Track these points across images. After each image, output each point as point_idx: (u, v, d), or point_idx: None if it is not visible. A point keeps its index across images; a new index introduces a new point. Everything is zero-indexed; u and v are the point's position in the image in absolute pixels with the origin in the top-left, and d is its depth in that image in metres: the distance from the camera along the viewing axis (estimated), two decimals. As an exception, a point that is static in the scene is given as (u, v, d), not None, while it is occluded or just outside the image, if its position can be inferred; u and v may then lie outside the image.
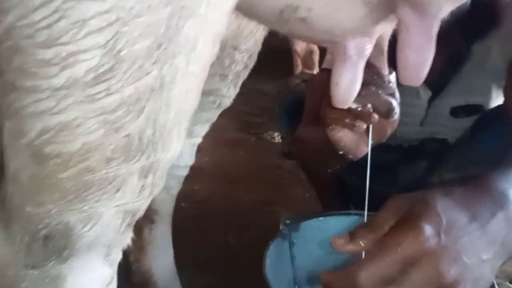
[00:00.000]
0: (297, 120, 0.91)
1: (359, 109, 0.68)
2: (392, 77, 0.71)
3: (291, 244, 0.82)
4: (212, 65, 0.84)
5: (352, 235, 0.54)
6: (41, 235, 0.46)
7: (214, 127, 1.09)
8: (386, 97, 0.68)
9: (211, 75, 0.86)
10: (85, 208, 0.44)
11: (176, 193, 1.07)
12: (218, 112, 0.95)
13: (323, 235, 0.88)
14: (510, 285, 1.41)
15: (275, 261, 0.82)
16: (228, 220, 1.70)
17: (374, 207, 0.58)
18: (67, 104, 0.37)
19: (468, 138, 1.13)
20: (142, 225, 1.04)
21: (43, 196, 0.43)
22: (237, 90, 0.93)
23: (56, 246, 0.47)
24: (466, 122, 1.15)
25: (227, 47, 0.84)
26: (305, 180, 2.10)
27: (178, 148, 0.47)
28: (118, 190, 0.45)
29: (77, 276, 0.50)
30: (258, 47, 0.88)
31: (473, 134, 1.13)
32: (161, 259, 1.09)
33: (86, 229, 0.46)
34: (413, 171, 1.23)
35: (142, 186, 0.47)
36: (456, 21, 0.99)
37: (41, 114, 0.38)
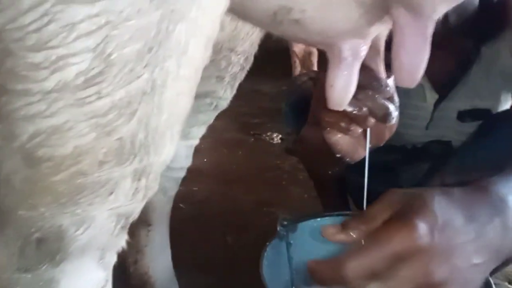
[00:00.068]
0: (303, 119, 0.91)
1: (354, 112, 0.67)
2: (390, 81, 0.70)
3: (289, 245, 0.82)
4: (208, 67, 0.85)
5: (344, 225, 0.53)
6: (33, 238, 0.46)
7: (213, 128, 1.09)
8: (383, 101, 0.67)
9: (207, 77, 0.86)
10: (78, 211, 0.44)
11: (173, 195, 1.07)
12: (215, 114, 0.95)
13: (321, 236, 0.88)
14: (509, 285, 1.41)
15: (272, 262, 0.82)
16: (227, 221, 1.70)
17: None
18: (58, 108, 0.37)
19: (472, 142, 1.12)
20: (139, 227, 1.04)
21: (35, 199, 0.43)
22: (234, 92, 0.93)
23: (49, 249, 0.47)
24: (472, 127, 1.14)
25: (223, 49, 0.84)
26: (304, 181, 2.11)
27: (171, 151, 0.47)
28: (111, 193, 0.44)
29: (70, 280, 0.50)
30: (254, 49, 0.88)
31: (477, 138, 1.11)
32: (159, 261, 1.09)
33: (79, 232, 0.46)
34: (415, 173, 1.22)
35: (136, 189, 0.46)
36: (465, 23, 0.99)
37: (32, 117, 0.38)
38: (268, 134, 2.76)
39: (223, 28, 0.79)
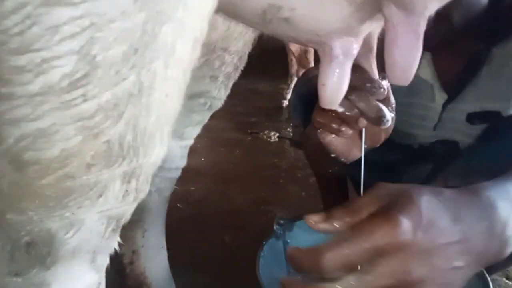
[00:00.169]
0: (311, 112, 0.90)
1: (346, 113, 0.67)
2: (385, 82, 0.70)
3: (285, 244, 0.82)
4: (202, 67, 0.85)
5: (329, 215, 0.52)
6: (23, 242, 0.46)
7: (210, 128, 1.09)
8: (376, 103, 0.67)
9: (201, 77, 0.86)
10: (67, 214, 0.44)
11: (168, 196, 1.07)
12: (209, 114, 0.95)
13: (317, 235, 0.88)
14: (507, 281, 1.41)
15: (269, 261, 0.82)
16: (225, 220, 1.70)
17: None
18: (43, 111, 0.37)
19: (479, 144, 1.10)
20: (135, 228, 1.04)
21: (23, 203, 0.43)
22: (228, 91, 0.93)
23: (39, 253, 0.47)
24: (482, 129, 1.11)
25: (216, 49, 0.83)
26: (301, 179, 2.11)
27: (161, 152, 0.47)
28: (100, 196, 0.44)
29: (62, 283, 0.50)
30: (248, 48, 0.87)
31: (484, 141, 1.09)
32: (155, 262, 1.09)
33: (69, 235, 0.46)
34: (419, 173, 1.21)
35: (126, 191, 0.46)
36: (473, 23, 0.98)
37: (17, 121, 0.38)
38: (265, 132, 2.77)
39: (216, 28, 0.78)
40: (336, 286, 0.48)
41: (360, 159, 0.75)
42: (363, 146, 0.74)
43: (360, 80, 0.65)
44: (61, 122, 0.38)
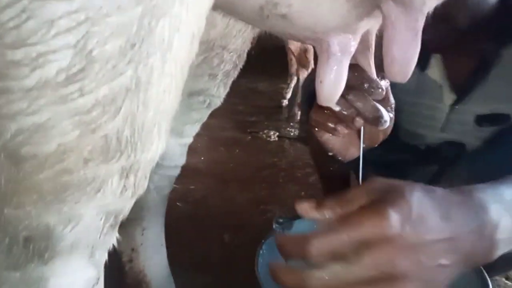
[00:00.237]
0: None
1: (343, 112, 0.67)
2: (384, 82, 0.70)
3: (285, 242, 0.81)
4: (201, 65, 0.85)
5: (320, 203, 0.52)
6: (21, 237, 0.46)
7: (210, 127, 1.09)
8: (374, 103, 0.67)
9: (200, 75, 0.86)
10: (64, 209, 0.44)
11: (167, 194, 1.07)
12: (208, 112, 0.95)
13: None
14: (506, 281, 1.40)
15: (268, 260, 0.82)
16: (224, 219, 1.70)
17: None
18: (40, 105, 0.37)
19: (487, 147, 1.08)
20: (134, 225, 1.04)
21: (21, 197, 0.43)
22: (227, 89, 0.93)
23: (36, 247, 0.47)
24: (491, 132, 1.09)
25: (215, 47, 0.83)
26: (301, 179, 2.11)
27: (159, 148, 0.47)
28: (98, 191, 0.44)
29: (59, 278, 0.50)
30: (247, 46, 0.87)
31: (492, 144, 1.08)
32: (154, 260, 1.09)
33: (66, 230, 0.46)
34: (423, 174, 1.21)
35: (124, 186, 0.46)
36: (484, 24, 0.97)
37: (14, 115, 0.38)
38: (265, 132, 2.77)
39: (215, 26, 0.79)
40: (321, 273, 0.48)
41: (366, 157, 0.76)
42: (361, 145, 0.74)
43: (358, 79, 0.65)
44: (58, 116, 0.38)
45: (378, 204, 0.48)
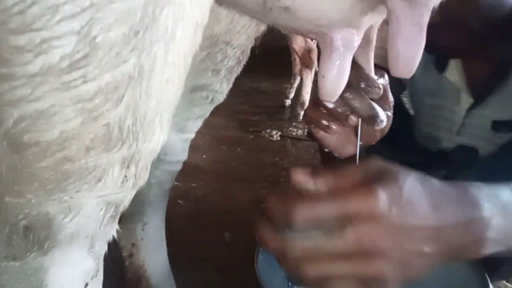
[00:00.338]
0: None
1: (338, 110, 0.67)
2: (382, 80, 0.70)
3: (285, 241, 0.81)
4: (204, 60, 0.85)
5: (315, 173, 0.52)
6: (21, 226, 0.46)
7: (212, 125, 1.09)
8: (370, 102, 0.67)
9: (203, 71, 0.86)
10: (65, 198, 0.44)
11: (168, 189, 1.07)
12: (211, 107, 0.95)
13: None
14: (507, 283, 1.40)
15: (268, 258, 0.82)
16: (225, 218, 1.70)
17: None
18: (43, 92, 0.37)
19: (499, 154, 1.06)
20: (135, 220, 1.04)
21: (22, 186, 0.43)
22: (230, 85, 0.93)
23: (36, 237, 0.47)
24: (507, 138, 1.06)
25: (219, 42, 0.83)
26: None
27: (161, 139, 0.47)
28: (99, 180, 0.44)
29: (59, 269, 0.50)
30: (251, 43, 0.87)
31: (505, 152, 1.06)
32: (154, 255, 1.09)
33: (67, 220, 0.46)
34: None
35: (125, 176, 0.46)
36: (502, 28, 0.96)
37: (17, 102, 0.38)
38: (267, 131, 2.77)
39: (219, 21, 0.78)
40: (302, 241, 0.48)
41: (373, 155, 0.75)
42: (358, 143, 0.74)
43: (355, 77, 0.65)
44: (61, 103, 0.38)
45: (371, 182, 0.48)
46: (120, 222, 0.53)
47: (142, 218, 1.03)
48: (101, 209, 0.47)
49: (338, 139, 0.76)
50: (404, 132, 1.23)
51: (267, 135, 2.73)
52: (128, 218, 1.01)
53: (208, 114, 0.97)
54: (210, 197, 1.89)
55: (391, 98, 0.72)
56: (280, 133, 2.76)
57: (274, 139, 2.68)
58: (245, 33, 0.83)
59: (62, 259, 0.49)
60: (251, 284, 0.79)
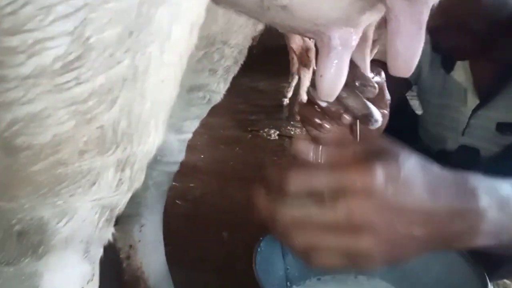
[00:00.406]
0: None
1: (331, 109, 0.66)
2: (378, 78, 0.69)
3: (282, 241, 0.81)
4: (201, 60, 0.85)
5: (317, 141, 0.51)
6: (14, 231, 0.45)
7: (210, 125, 1.08)
8: (364, 101, 0.66)
9: (200, 70, 0.85)
10: (59, 202, 0.43)
11: (166, 190, 1.06)
12: (208, 108, 0.94)
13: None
14: (506, 281, 1.40)
15: (266, 258, 0.81)
16: (224, 217, 1.70)
17: None
18: (35, 94, 0.36)
19: (502, 156, 1.06)
20: (132, 222, 1.03)
21: (15, 190, 0.42)
22: (227, 85, 0.92)
23: (30, 242, 0.46)
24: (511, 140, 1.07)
25: (216, 42, 0.82)
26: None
27: (156, 141, 0.46)
28: (93, 184, 0.43)
29: (54, 274, 0.49)
30: (248, 42, 0.87)
31: (507, 154, 1.06)
32: (152, 256, 1.08)
33: (61, 224, 0.45)
34: None
35: (120, 180, 0.45)
36: (508, 29, 0.96)
37: (10, 105, 0.37)
38: (265, 130, 2.77)
39: (216, 21, 0.78)
40: (293, 208, 0.47)
41: None
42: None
43: (350, 76, 0.64)
44: (54, 106, 0.37)
45: (371, 158, 0.47)
46: (117, 223, 0.52)
47: (140, 220, 1.03)
48: (96, 213, 0.46)
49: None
50: (408, 131, 1.23)
51: (265, 134, 2.72)
52: (125, 219, 1.01)
53: (205, 114, 0.97)
54: (208, 197, 1.89)
55: (387, 96, 0.71)
56: (278, 132, 2.75)
57: (272, 138, 2.68)
58: (242, 33, 0.83)
59: (57, 264, 0.49)
60: (249, 284, 0.79)
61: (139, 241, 1.05)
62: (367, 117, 0.66)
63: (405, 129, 1.03)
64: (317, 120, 0.69)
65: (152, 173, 0.98)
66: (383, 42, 0.59)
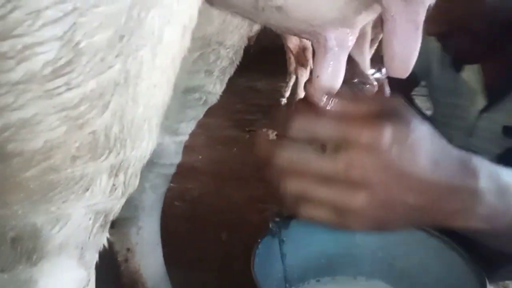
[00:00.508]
0: None
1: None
2: (379, 74, 0.69)
3: (281, 242, 0.81)
4: (197, 61, 0.84)
5: (332, 91, 0.50)
6: (8, 237, 0.44)
7: (208, 125, 1.08)
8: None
9: (196, 72, 0.85)
10: (52, 208, 0.43)
11: (163, 192, 1.05)
12: (204, 109, 0.94)
13: (314, 232, 0.87)
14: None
15: (265, 259, 0.81)
16: (221, 218, 1.70)
17: None
18: (26, 100, 0.35)
19: (501, 158, 1.05)
20: (129, 225, 1.02)
21: (8, 196, 0.42)
22: (223, 86, 0.92)
23: (24, 248, 0.45)
24: None
25: (212, 43, 0.82)
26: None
27: (150, 145, 0.45)
28: (86, 190, 0.43)
29: (49, 280, 0.48)
30: (244, 42, 0.86)
31: (506, 156, 1.05)
32: (150, 259, 1.08)
33: (55, 230, 0.44)
34: None
35: (113, 185, 0.45)
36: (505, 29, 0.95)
37: (0, 111, 0.36)
38: (263, 130, 2.75)
39: (212, 22, 0.77)
40: (293, 151, 0.47)
41: None
42: None
43: (349, 73, 0.64)
44: (45, 111, 0.36)
45: (382, 116, 0.46)
46: (114, 226, 0.52)
47: (137, 223, 1.02)
48: (90, 219, 0.46)
49: None
50: None
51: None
52: (122, 222, 1.00)
53: (201, 116, 0.96)
54: (206, 197, 1.89)
55: (387, 92, 0.71)
56: (276, 132, 2.74)
57: (270, 138, 2.67)
58: (238, 33, 0.82)
59: (52, 270, 0.48)
60: (247, 284, 0.78)
61: (137, 243, 1.04)
62: None
63: None
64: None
65: (149, 176, 0.98)
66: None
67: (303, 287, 0.88)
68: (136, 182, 0.47)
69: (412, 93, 1.41)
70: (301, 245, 0.85)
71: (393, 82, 0.70)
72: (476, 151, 1.11)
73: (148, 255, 1.07)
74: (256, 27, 0.81)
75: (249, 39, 0.86)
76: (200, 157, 2.27)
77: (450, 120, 1.17)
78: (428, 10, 0.51)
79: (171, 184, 1.10)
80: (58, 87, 0.35)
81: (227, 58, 0.86)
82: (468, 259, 0.76)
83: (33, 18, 0.33)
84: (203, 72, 0.86)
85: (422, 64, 1.23)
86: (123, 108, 0.39)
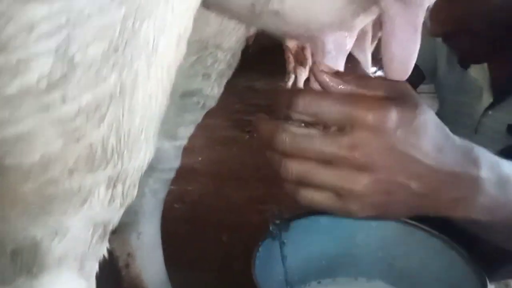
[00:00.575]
0: None
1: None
2: (381, 73, 0.68)
3: (282, 244, 0.80)
4: (194, 64, 0.84)
5: (340, 73, 0.49)
6: (8, 251, 0.44)
7: (207, 126, 1.07)
8: None
9: (193, 75, 0.84)
10: (50, 221, 0.42)
11: (163, 197, 1.05)
12: (203, 113, 0.93)
13: (314, 234, 0.86)
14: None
15: (265, 262, 0.81)
16: (221, 219, 1.69)
17: None
18: (22, 114, 0.35)
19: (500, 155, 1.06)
20: (129, 230, 1.02)
21: (6, 210, 0.41)
22: (222, 90, 0.91)
23: (24, 261, 0.45)
24: None
25: (209, 46, 0.82)
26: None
27: (148, 155, 0.45)
28: (85, 202, 0.42)
29: (49, 292, 0.48)
30: (241, 45, 0.86)
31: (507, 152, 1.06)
32: (151, 264, 1.08)
33: (54, 243, 0.44)
34: None
35: (112, 196, 0.44)
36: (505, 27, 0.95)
37: (-3, 125, 0.36)
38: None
39: (208, 24, 0.77)
40: (296, 130, 0.46)
41: None
42: None
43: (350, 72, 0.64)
44: (41, 125, 0.36)
45: (389, 99, 0.46)
46: (114, 232, 0.52)
47: (137, 228, 1.02)
48: (89, 230, 0.46)
49: None
50: None
51: (262, 134, 2.71)
52: (122, 228, 1.00)
53: (200, 120, 0.96)
54: (206, 199, 1.88)
55: None
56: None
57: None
58: (235, 36, 0.82)
59: (52, 282, 0.48)
60: (247, 285, 0.78)
61: (138, 248, 1.04)
62: None
63: None
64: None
65: (149, 181, 0.97)
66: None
67: (304, 289, 0.88)
68: (134, 192, 0.47)
69: (417, 91, 1.41)
70: (301, 246, 0.85)
71: None
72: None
73: (149, 259, 1.07)
74: (253, 29, 0.80)
75: (247, 39, 0.86)
76: (200, 158, 2.27)
77: (457, 118, 1.17)
78: (426, 11, 0.51)
79: (171, 187, 1.10)
80: (54, 100, 0.35)
81: (225, 61, 0.86)
82: (468, 258, 0.76)
83: (26, 31, 0.32)
84: (201, 75, 0.86)
85: (429, 62, 1.23)
86: (119, 119, 0.39)
